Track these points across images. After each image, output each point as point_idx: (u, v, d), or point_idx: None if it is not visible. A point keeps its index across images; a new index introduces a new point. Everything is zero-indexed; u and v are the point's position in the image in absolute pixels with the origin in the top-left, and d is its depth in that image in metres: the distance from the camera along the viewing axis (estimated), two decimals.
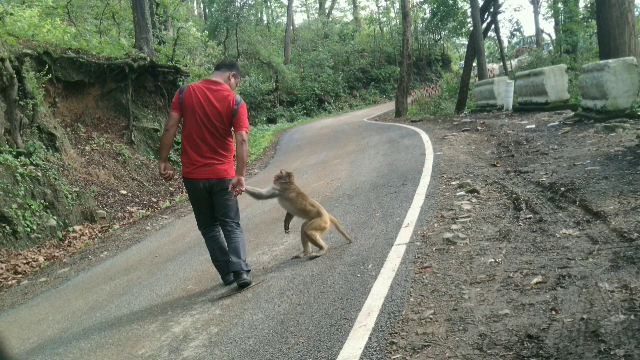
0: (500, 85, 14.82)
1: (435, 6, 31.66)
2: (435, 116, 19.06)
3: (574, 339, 2.19)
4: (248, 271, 3.92)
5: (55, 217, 7.99)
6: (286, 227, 4.53)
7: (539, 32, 39.24)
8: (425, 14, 39.99)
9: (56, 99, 11.07)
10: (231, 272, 3.90)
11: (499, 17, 26.45)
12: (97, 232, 8.39)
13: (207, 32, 25.22)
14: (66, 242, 7.77)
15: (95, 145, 11.40)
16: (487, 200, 4.82)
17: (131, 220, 8.95)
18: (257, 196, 4.46)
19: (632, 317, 2.25)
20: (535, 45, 38.05)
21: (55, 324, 4.22)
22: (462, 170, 6.39)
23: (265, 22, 51.00)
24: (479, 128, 10.67)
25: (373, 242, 4.22)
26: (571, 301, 2.53)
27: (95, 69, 12.06)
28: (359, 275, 3.54)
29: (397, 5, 39.84)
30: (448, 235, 3.94)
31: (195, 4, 46.39)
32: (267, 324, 3.12)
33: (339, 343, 2.62)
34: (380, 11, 45.77)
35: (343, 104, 35.93)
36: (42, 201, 7.90)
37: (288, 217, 4.50)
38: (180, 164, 4.09)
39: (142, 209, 9.80)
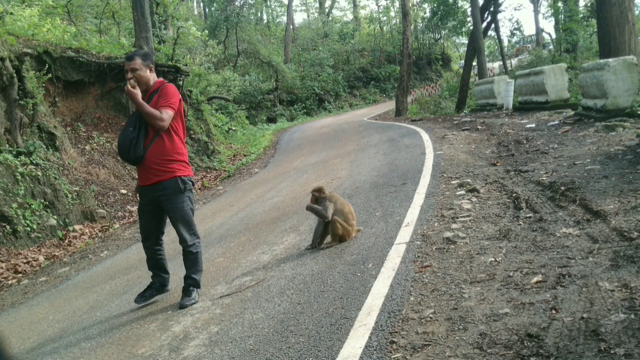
0: (501, 84, 14.82)
1: (435, 5, 31.69)
2: (436, 115, 19.06)
3: (574, 338, 2.19)
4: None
5: (55, 217, 7.99)
6: (321, 242, 4.56)
7: (539, 31, 39.32)
8: (425, 13, 40.07)
9: (56, 99, 11.06)
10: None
11: (499, 16, 26.47)
12: (97, 231, 8.39)
13: (207, 31, 25.21)
14: (66, 241, 7.77)
15: (95, 144, 11.40)
16: (487, 199, 4.82)
17: (131, 220, 8.95)
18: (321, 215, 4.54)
19: (633, 316, 2.25)
20: (534, 44, 38.11)
21: (55, 323, 4.22)
22: (462, 169, 6.39)
23: (265, 21, 51.02)
24: (479, 127, 10.67)
25: (373, 241, 4.23)
26: (571, 300, 2.53)
27: (95, 69, 12.05)
28: (359, 274, 3.54)
29: (397, 4, 39.88)
30: (448, 234, 3.94)
31: (195, 3, 46.41)
32: (268, 323, 3.12)
33: (339, 342, 2.62)
34: (380, 10, 45.85)
35: (343, 103, 35.95)
36: (42, 200, 7.90)
37: (322, 231, 4.55)
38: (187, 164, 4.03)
39: None
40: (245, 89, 29.22)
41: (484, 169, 6.23)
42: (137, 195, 4.00)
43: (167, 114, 3.71)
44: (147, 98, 3.78)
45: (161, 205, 3.86)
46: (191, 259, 3.91)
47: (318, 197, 4.55)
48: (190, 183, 3.93)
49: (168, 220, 4.02)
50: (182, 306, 3.79)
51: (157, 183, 3.79)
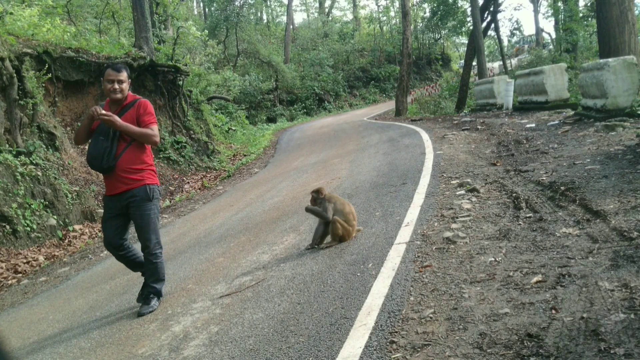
0: (500, 84, 14.83)
1: (435, 5, 31.70)
2: (435, 115, 19.06)
3: (574, 338, 2.19)
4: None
5: (55, 217, 7.99)
6: (321, 242, 4.55)
7: (539, 31, 39.34)
8: (425, 12, 40.09)
9: (56, 98, 11.06)
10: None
11: (499, 16, 26.47)
12: (97, 231, 8.39)
13: (206, 31, 25.24)
14: (66, 241, 7.77)
15: None
16: (487, 199, 4.82)
17: None
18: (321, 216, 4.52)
19: (632, 316, 2.25)
20: (534, 44, 38.15)
21: (55, 323, 4.22)
22: (462, 169, 6.39)
23: (265, 21, 51.00)
24: (479, 127, 10.67)
25: (373, 241, 4.23)
26: (571, 300, 2.53)
27: (95, 68, 12.04)
28: (359, 274, 3.54)
29: (397, 4, 39.88)
30: (448, 234, 3.94)
31: (195, 3, 46.39)
32: (267, 323, 3.12)
33: (339, 342, 2.63)
34: (380, 10, 45.82)
35: (343, 103, 35.96)
36: (42, 200, 7.90)
37: (322, 231, 4.55)
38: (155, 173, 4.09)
39: None
40: (245, 88, 29.22)
41: (483, 168, 6.23)
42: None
43: (157, 130, 3.92)
44: (119, 110, 3.85)
45: (130, 212, 3.88)
46: (151, 269, 3.94)
47: (317, 197, 4.54)
48: (158, 192, 3.99)
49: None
50: (139, 314, 3.83)
51: (126, 191, 3.84)
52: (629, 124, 7.11)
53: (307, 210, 4.63)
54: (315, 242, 4.52)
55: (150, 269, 3.94)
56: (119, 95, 3.84)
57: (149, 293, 3.94)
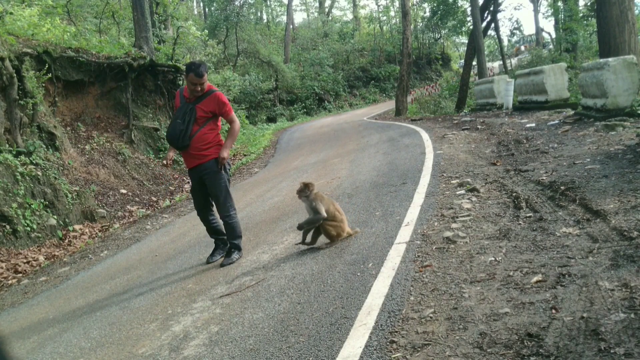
0: (500, 84, 14.82)
1: (435, 5, 31.74)
2: (435, 115, 19.06)
3: (574, 338, 2.19)
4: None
5: (55, 216, 7.99)
6: (309, 240, 4.54)
7: (539, 30, 39.38)
8: (425, 12, 40.12)
9: (56, 98, 11.06)
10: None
11: (499, 15, 26.48)
12: (97, 231, 8.39)
13: (206, 31, 25.23)
14: (66, 241, 7.77)
15: (95, 144, 11.40)
16: (487, 199, 4.82)
17: (131, 220, 8.95)
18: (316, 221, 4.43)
19: (632, 315, 2.25)
20: (533, 44, 38.22)
21: (55, 323, 4.22)
22: (462, 169, 6.38)
23: (265, 20, 51.00)
24: (479, 127, 10.67)
25: (373, 241, 4.23)
26: (571, 300, 2.53)
27: (95, 68, 12.05)
28: (359, 274, 3.54)
29: (397, 3, 39.88)
30: (448, 234, 3.94)
31: (195, 3, 46.39)
32: (268, 322, 3.12)
33: (340, 342, 2.63)
34: (380, 10, 45.83)
35: (343, 102, 35.97)
36: (42, 200, 7.90)
37: (313, 230, 4.53)
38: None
39: (142, 208, 9.80)
40: (245, 88, 29.21)
41: (483, 168, 6.23)
42: (170, 162, 4.76)
43: (235, 116, 4.68)
44: (195, 99, 4.49)
45: (204, 182, 4.60)
46: (228, 228, 4.67)
47: (304, 190, 4.46)
48: (226, 162, 4.64)
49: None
50: (222, 265, 4.59)
51: (198, 165, 4.56)
52: (629, 124, 7.10)
53: (300, 227, 4.49)
54: (305, 237, 4.51)
55: (227, 229, 4.68)
56: (199, 94, 4.49)
57: (230, 248, 4.70)
